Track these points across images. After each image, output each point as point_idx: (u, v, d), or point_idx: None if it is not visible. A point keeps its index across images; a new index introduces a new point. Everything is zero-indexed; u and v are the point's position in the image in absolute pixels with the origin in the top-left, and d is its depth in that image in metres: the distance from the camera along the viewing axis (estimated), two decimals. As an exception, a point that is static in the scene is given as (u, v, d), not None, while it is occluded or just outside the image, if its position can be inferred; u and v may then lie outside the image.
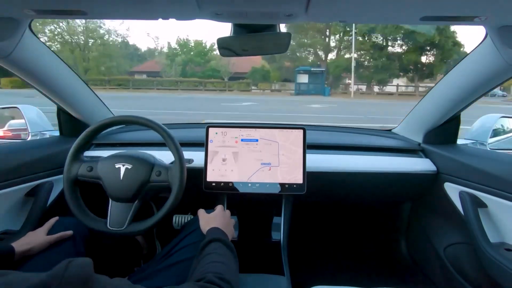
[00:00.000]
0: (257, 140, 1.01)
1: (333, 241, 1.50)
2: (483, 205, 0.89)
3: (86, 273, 0.39)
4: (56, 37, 21.19)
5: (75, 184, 0.84)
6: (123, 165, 0.83)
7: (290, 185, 0.99)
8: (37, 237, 0.75)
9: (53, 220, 0.82)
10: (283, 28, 0.76)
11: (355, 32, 19.72)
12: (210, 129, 1.01)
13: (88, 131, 0.86)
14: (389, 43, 20.48)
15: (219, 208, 0.85)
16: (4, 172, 0.85)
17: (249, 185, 0.99)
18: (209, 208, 0.89)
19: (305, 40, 22.23)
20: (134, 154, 0.87)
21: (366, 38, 20.23)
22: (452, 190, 1.01)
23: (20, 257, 0.70)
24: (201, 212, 0.83)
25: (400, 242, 1.38)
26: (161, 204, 0.83)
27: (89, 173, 0.83)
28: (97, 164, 0.85)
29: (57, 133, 1.23)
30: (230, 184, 0.99)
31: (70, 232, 0.79)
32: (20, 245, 0.71)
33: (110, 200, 0.83)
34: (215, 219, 0.78)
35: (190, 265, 0.65)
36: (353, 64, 19.55)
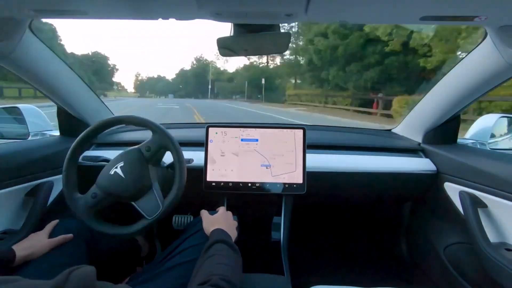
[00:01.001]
0: (257, 140, 1.01)
1: (333, 241, 1.50)
2: (483, 205, 0.89)
3: (88, 283, 0.39)
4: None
5: (91, 215, 0.82)
6: (116, 167, 0.82)
7: (290, 185, 0.99)
8: (39, 241, 0.75)
9: (54, 222, 0.82)
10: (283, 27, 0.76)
11: None
12: (210, 129, 1.01)
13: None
14: None
15: (221, 209, 0.85)
16: (4, 172, 0.85)
17: (249, 185, 0.99)
18: (210, 208, 0.89)
19: None
20: (118, 154, 0.86)
21: None
22: (452, 190, 1.01)
23: (22, 261, 0.70)
24: (204, 213, 0.82)
25: (400, 242, 1.37)
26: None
27: (96, 199, 0.81)
28: (96, 186, 0.83)
29: (57, 133, 1.23)
30: (230, 184, 0.99)
31: (70, 236, 0.79)
32: (21, 248, 0.70)
33: (133, 202, 0.81)
34: (218, 221, 0.78)
35: (193, 267, 0.65)
36: None
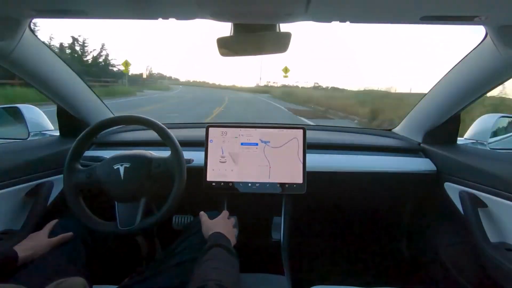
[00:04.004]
0: (257, 144, 1.01)
1: (333, 241, 1.50)
2: (483, 205, 0.89)
3: None
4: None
5: (76, 193, 0.83)
6: (122, 165, 0.83)
7: (290, 185, 0.99)
8: (39, 241, 0.75)
9: (53, 222, 0.82)
10: (283, 27, 0.76)
11: None
12: (210, 129, 1.01)
13: (82, 136, 0.86)
14: None
15: (224, 213, 0.84)
16: (4, 172, 0.85)
17: (249, 185, 0.99)
18: (210, 208, 0.89)
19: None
20: (130, 152, 0.88)
21: None
22: (452, 190, 1.01)
23: (23, 261, 0.70)
24: (203, 217, 0.82)
25: (400, 242, 1.37)
26: (162, 203, 0.83)
27: (89, 180, 0.83)
28: (95, 169, 0.84)
29: (57, 133, 1.23)
30: (230, 184, 0.99)
31: (70, 234, 0.79)
32: (22, 249, 0.71)
33: (116, 203, 0.83)
34: (218, 225, 0.78)
35: (191, 266, 0.65)
36: None
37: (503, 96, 6.37)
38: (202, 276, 0.56)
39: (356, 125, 8.09)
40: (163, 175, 0.85)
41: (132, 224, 0.80)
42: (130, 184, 0.82)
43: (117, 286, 0.74)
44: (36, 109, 1.36)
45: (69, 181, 0.83)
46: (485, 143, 1.25)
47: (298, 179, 0.99)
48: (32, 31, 0.82)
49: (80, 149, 0.87)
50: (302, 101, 16.29)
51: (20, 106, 1.32)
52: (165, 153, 0.89)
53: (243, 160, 1.00)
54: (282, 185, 0.99)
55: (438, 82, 1.05)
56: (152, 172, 0.84)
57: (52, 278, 0.54)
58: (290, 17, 0.64)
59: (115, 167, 0.83)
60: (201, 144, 1.02)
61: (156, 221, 0.82)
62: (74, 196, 0.82)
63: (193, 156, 1.02)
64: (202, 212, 0.84)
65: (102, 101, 1.24)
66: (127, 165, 0.83)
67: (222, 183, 0.99)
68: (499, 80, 0.85)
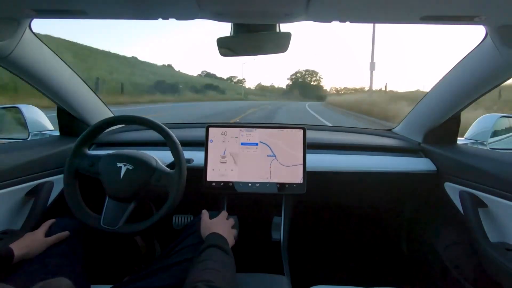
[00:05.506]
0: (257, 144, 1.01)
1: (333, 241, 1.50)
2: (483, 205, 0.89)
3: None
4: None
5: (75, 176, 0.84)
6: (125, 165, 0.83)
7: (290, 184, 0.99)
8: (35, 240, 0.75)
9: (50, 221, 0.82)
10: (283, 27, 0.76)
11: None
12: (210, 129, 1.01)
13: (94, 126, 0.87)
14: None
15: (223, 214, 0.84)
16: (4, 172, 0.85)
17: (249, 185, 0.99)
18: (210, 208, 0.89)
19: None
20: (137, 155, 0.87)
21: None
22: (452, 190, 1.01)
23: (19, 259, 0.70)
24: (204, 215, 0.82)
25: (400, 242, 1.38)
26: (160, 205, 0.83)
27: (90, 168, 0.84)
28: (99, 160, 0.85)
29: (57, 133, 1.23)
30: (230, 184, 0.99)
31: (66, 233, 0.79)
32: (19, 248, 0.70)
33: (107, 198, 0.84)
34: (216, 225, 0.77)
35: (189, 266, 0.65)
36: None
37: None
38: (194, 277, 0.56)
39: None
40: (159, 190, 0.84)
41: (115, 224, 0.81)
42: (126, 186, 0.82)
43: (115, 285, 0.74)
44: (36, 109, 1.36)
45: (72, 161, 0.84)
46: (485, 143, 1.25)
47: (298, 179, 0.99)
48: (32, 31, 0.82)
49: (92, 136, 0.89)
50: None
51: (21, 106, 1.32)
52: (166, 154, 0.88)
53: (243, 160, 1.00)
54: (282, 185, 0.99)
55: (438, 82, 1.05)
56: (150, 182, 0.83)
57: (48, 277, 0.54)
58: (290, 17, 0.65)
59: (118, 165, 0.83)
60: (201, 144, 1.02)
61: (138, 230, 0.82)
62: (72, 177, 0.84)
63: (193, 156, 1.02)
64: (204, 210, 0.84)
65: (102, 101, 1.24)
66: (130, 167, 0.83)
67: (222, 183, 0.99)
68: (499, 80, 0.85)
